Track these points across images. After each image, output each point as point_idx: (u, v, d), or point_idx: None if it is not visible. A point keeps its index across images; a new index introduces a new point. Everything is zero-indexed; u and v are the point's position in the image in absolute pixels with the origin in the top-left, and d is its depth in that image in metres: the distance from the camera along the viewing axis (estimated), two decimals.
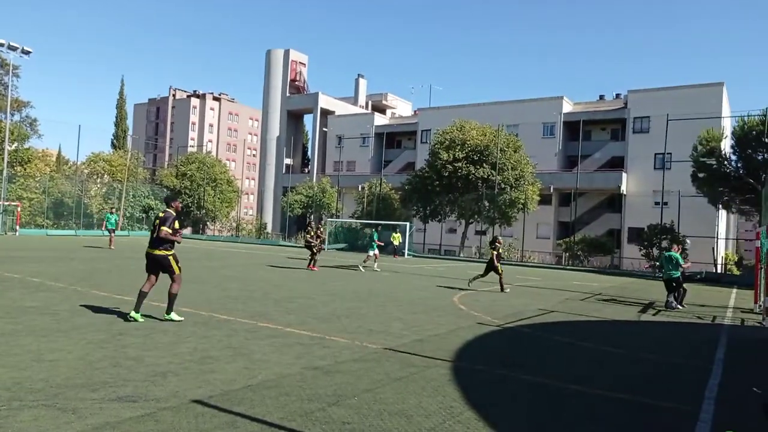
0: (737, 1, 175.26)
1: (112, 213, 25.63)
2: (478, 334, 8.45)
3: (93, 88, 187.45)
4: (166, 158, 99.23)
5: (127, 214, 43.41)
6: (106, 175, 46.91)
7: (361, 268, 19.84)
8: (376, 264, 20.68)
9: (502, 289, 14.80)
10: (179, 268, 7.94)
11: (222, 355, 6.02)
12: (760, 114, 29.00)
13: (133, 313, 7.74)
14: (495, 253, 15.15)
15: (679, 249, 14.56)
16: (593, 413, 4.89)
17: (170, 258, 7.85)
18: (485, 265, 15.61)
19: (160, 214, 7.93)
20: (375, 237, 20.97)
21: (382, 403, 4.69)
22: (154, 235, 7.84)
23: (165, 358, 5.74)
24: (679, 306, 13.39)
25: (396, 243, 31.84)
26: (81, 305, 8.77)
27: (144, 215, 44.64)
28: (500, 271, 14.97)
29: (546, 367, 6.53)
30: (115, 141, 75.41)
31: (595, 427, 4.53)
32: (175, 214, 7.93)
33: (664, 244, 29.82)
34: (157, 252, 7.83)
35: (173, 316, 7.87)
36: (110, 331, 6.92)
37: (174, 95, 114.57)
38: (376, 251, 20.64)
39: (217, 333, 7.21)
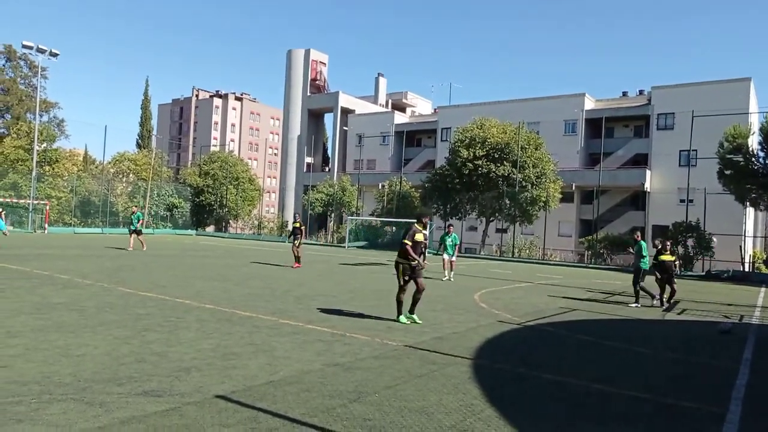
0: None
1: (134, 212, 22.86)
2: (499, 332, 8.41)
3: (118, 89, 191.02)
4: (190, 157, 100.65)
5: (152, 212, 44.12)
6: (131, 174, 47.75)
7: (450, 277, 16.70)
8: (447, 273, 16.86)
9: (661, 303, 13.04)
10: (404, 280, 8.58)
11: (244, 352, 6.10)
12: None
13: (402, 318, 8.61)
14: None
15: (639, 237, 13.50)
16: (616, 413, 4.83)
17: (400, 267, 8.56)
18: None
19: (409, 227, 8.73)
20: (455, 240, 17.28)
21: (402, 400, 4.70)
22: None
23: (189, 354, 5.84)
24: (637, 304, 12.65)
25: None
26: (107, 302, 8.95)
27: (168, 213, 45.29)
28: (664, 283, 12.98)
29: (568, 366, 6.47)
30: (139, 141, 76.59)
31: (618, 428, 4.47)
32: (420, 228, 8.66)
33: (690, 242, 29.31)
34: (396, 259, 8.67)
35: (413, 317, 8.66)
36: (135, 328, 7.05)
37: (197, 95, 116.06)
38: (449, 256, 17.02)
39: (240, 329, 7.30)
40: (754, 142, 31.12)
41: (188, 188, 48.51)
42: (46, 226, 34.10)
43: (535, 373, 5.97)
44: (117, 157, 49.19)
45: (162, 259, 18.20)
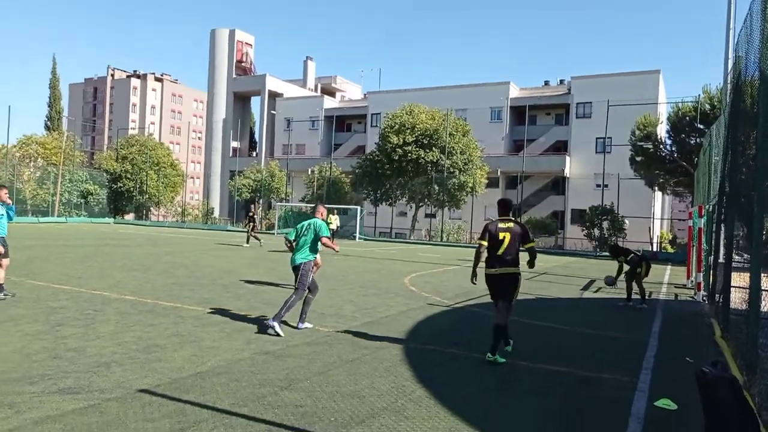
0: None
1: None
2: (429, 314, 8.58)
3: (23, 67, 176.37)
4: (105, 141, 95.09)
5: (64, 200, 41.41)
6: (39, 159, 44.49)
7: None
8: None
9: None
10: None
11: (169, 343, 5.87)
12: (692, 101, 30.49)
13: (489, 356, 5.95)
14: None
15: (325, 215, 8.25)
16: (541, 387, 5.06)
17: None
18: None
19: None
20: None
21: (334, 385, 4.70)
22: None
23: (108, 348, 5.55)
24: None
25: (333, 226, 29.09)
26: (16, 295, 8.32)
27: (83, 201, 42.73)
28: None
29: None
30: (48, 123, 71.70)
31: (543, 401, 4.69)
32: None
33: (605, 224, 31.07)
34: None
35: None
36: (48, 322, 6.61)
37: (113, 75, 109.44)
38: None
39: (164, 321, 7.02)
40: (662, 130, 33.39)
41: (104, 174, 45.95)
42: None
43: (464, 353, 6.14)
44: (23, 140, 45.61)
45: (77, 249, 17.15)
